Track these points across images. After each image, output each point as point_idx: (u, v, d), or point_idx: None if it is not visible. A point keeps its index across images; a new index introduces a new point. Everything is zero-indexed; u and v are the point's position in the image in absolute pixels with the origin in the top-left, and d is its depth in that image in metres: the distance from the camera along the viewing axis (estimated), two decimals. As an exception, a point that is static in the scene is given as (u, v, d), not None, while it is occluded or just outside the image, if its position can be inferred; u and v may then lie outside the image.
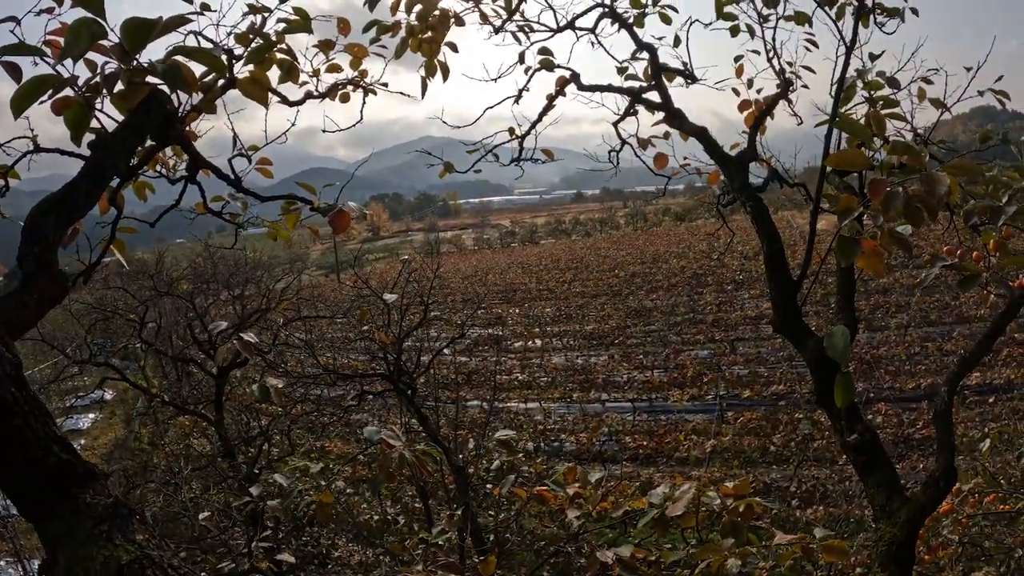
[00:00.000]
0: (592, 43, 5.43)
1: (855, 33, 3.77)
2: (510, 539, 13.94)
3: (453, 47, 4.23)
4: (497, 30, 4.98)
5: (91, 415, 29.50)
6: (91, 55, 2.31)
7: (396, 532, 15.17)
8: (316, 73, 3.55)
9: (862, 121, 3.80)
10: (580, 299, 46.83)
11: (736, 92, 5.29)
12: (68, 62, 2.24)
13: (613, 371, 29.19)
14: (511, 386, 28.89)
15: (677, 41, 5.26)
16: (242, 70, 2.83)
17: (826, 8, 4.24)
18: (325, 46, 3.50)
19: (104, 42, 2.26)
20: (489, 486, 12.64)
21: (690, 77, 5.35)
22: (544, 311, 44.20)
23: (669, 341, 32.66)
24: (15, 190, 2.90)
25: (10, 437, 1.66)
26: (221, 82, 2.78)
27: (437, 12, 4.14)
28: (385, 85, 3.82)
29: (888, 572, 3.62)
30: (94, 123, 2.38)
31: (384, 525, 15.97)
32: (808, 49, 4.93)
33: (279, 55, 3.03)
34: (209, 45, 2.75)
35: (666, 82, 5.22)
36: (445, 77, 4.21)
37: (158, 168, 3.30)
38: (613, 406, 25.52)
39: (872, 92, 4.26)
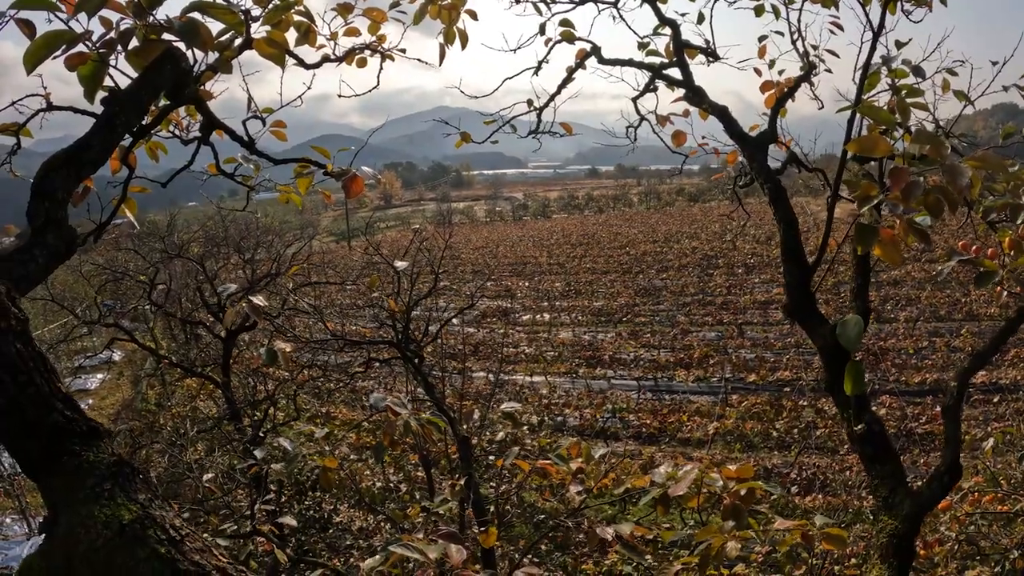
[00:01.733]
0: (614, 17, 5.36)
1: (882, 19, 3.71)
2: (511, 511, 14.04)
3: (473, 15, 4.17)
4: (518, 0, 4.92)
5: (99, 375, 29.70)
6: (106, 12, 2.28)
7: (398, 500, 15.29)
8: (334, 36, 3.50)
9: (885, 108, 3.74)
10: (590, 275, 46.77)
11: (758, 72, 5.22)
12: (83, 17, 2.21)
13: (620, 348, 29.20)
14: (518, 359, 28.94)
15: (701, 18, 5.19)
16: (259, 30, 2.79)
17: (853, -9, 4.16)
18: (344, 9, 3.45)
19: (119, -2, 2.23)
20: (492, 458, 12.71)
21: (712, 55, 5.28)
22: (554, 286, 44.18)
23: (677, 321, 32.63)
24: (27, 150, 2.88)
25: (13, 395, 1.65)
26: (238, 41, 2.75)
27: (458, -21, 4.08)
28: (403, 51, 3.77)
29: (887, 564, 3.62)
30: (108, 81, 2.35)
31: (386, 492, 16.10)
32: (833, 32, 4.85)
33: (297, 17, 2.99)
34: (225, 3, 2.71)
35: (688, 59, 5.16)
36: (464, 45, 4.16)
37: (171, 128, 3.27)
38: (618, 383, 25.56)
39: (896, 80, 4.19)
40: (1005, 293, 4.66)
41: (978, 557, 8.77)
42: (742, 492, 3.29)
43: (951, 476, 3.63)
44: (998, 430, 8.04)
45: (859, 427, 3.74)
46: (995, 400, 19.81)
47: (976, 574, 8.56)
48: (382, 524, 13.64)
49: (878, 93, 4.21)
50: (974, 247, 3.86)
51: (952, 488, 3.82)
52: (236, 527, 4.84)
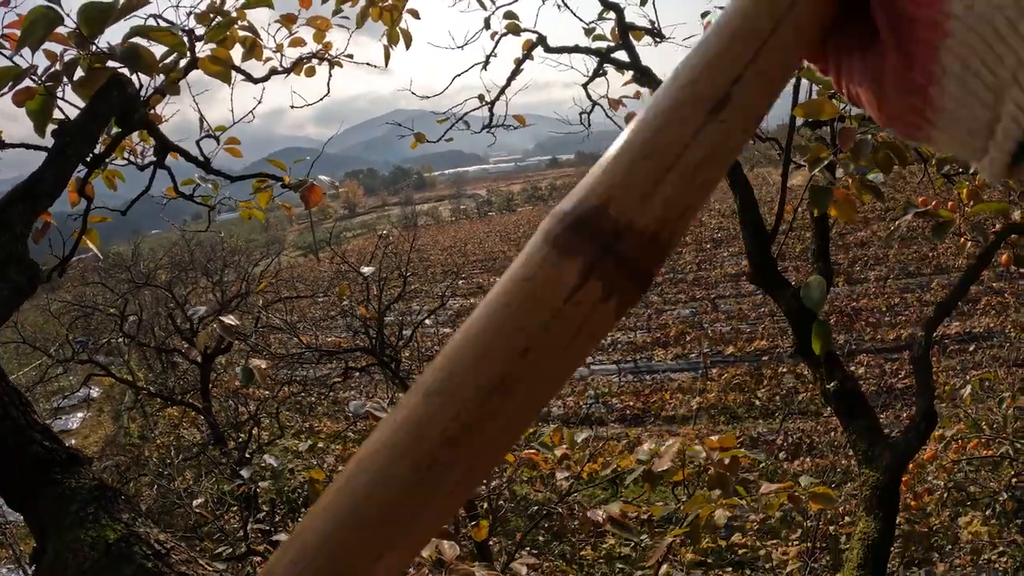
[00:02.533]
0: (559, 5, 5.40)
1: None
2: (503, 506, 14.06)
3: (415, 14, 4.18)
4: (460, -4, 4.94)
5: (79, 414, 29.26)
6: (49, 45, 2.28)
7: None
8: (280, 48, 3.50)
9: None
10: (561, 265, 46.80)
11: (704, 48, 5.27)
12: (27, 52, 2.20)
13: (597, 335, 29.29)
14: (496, 355, 28.95)
15: (644, 0, 5.25)
16: (203, 49, 2.79)
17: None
18: (287, 20, 3.45)
19: (61, 29, 2.22)
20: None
21: (658, 35, 5.33)
22: (525, 279, 44.18)
23: (651, 302, 32.80)
24: (-20, 193, 2.86)
25: (-9, 429, 1.65)
26: (183, 62, 2.75)
27: (398, -20, 4.09)
28: (350, 56, 3.78)
29: (873, 515, 3.69)
30: (57, 114, 2.34)
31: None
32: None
33: (241, 32, 2.99)
34: (167, 26, 2.70)
35: (634, 41, 5.20)
36: (408, 45, 4.17)
37: (126, 155, 3.26)
38: (598, 368, 25.66)
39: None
40: (969, 243, 4.77)
41: (969, 503, 8.94)
42: (726, 461, 3.35)
43: (927, 423, 3.71)
44: (976, 377, 8.18)
45: (831, 385, 3.82)
46: (971, 349, 20.16)
47: (969, 519, 8.72)
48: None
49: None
50: (934, 203, 3.95)
51: (929, 435, 3.91)
52: (231, 549, 4.83)
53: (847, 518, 10.64)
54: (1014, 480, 8.41)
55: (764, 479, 13.99)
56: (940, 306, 3.99)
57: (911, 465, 7.57)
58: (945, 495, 8.75)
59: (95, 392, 29.26)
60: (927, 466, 8.75)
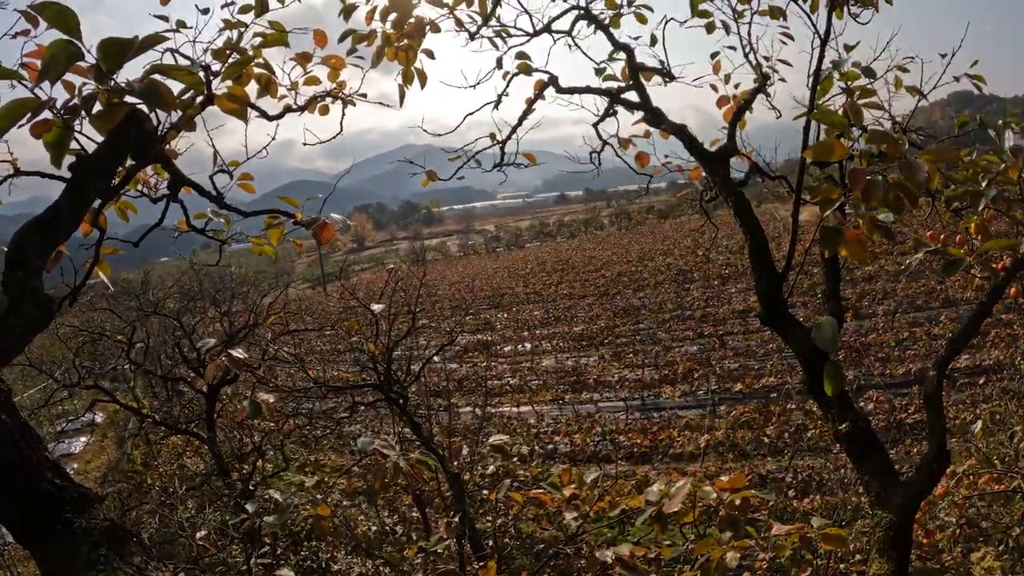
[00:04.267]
0: (569, 45, 5.45)
1: (829, 25, 3.81)
2: (509, 544, 13.92)
3: (430, 54, 4.23)
4: (473, 36, 4.99)
5: (83, 438, 29.22)
6: (69, 76, 2.30)
7: (395, 542, 15.10)
8: (294, 86, 3.54)
9: (840, 112, 3.82)
10: (568, 301, 46.84)
11: (714, 88, 5.32)
12: (46, 84, 2.23)
13: (604, 371, 29.20)
14: (503, 391, 28.85)
15: (653, 40, 5.29)
16: (220, 86, 2.82)
17: (799, 2, 4.26)
18: (303, 59, 3.49)
19: (81, 63, 2.25)
20: (486, 492, 12.61)
21: (667, 75, 5.37)
22: (532, 314, 44.18)
23: (658, 338, 32.72)
24: (-5, 215, 2.88)
25: (2, 465, 1.65)
26: (199, 99, 2.77)
27: (412, 20, 4.15)
28: (364, 96, 3.82)
29: (887, 557, 3.64)
30: (74, 145, 2.37)
31: (383, 536, 15.91)
32: (784, 43, 4.95)
33: (257, 69, 3.03)
34: (186, 62, 2.74)
35: (644, 81, 5.24)
36: (423, 84, 4.22)
37: (139, 187, 3.28)
38: (606, 406, 25.54)
39: (849, 83, 4.28)
40: (978, 277, 4.75)
41: (981, 539, 8.80)
42: (737, 502, 3.31)
43: (939, 464, 3.67)
44: (986, 411, 8.09)
45: (843, 426, 3.78)
46: (981, 382, 20.01)
47: (981, 555, 8.58)
48: (381, 568, 13.46)
49: (832, 97, 4.30)
50: (943, 236, 3.94)
51: (941, 475, 3.86)
52: (234, 584, 4.78)
53: (857, 556, 10.50)
54: (1027, 514, 8.30)
55: (774, 517, 13.83)
56: (951, 343, 3.96)
57: (923, 503, 7.48)
58: (957, 531, 8.62)
59: (99, 418, 29.24)
60: (939, 503, 8.64)
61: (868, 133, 2.59)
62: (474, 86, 5.26)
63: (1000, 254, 4.26)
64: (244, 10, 3.08)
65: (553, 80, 5.33)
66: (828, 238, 2.42)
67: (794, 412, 20.64)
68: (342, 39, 3.98)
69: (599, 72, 5.44)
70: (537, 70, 5.29)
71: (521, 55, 5.21)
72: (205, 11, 2.98)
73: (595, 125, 5.62)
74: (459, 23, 4.84)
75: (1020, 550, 8.25)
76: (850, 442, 3.93)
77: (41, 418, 22.77)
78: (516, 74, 5.27)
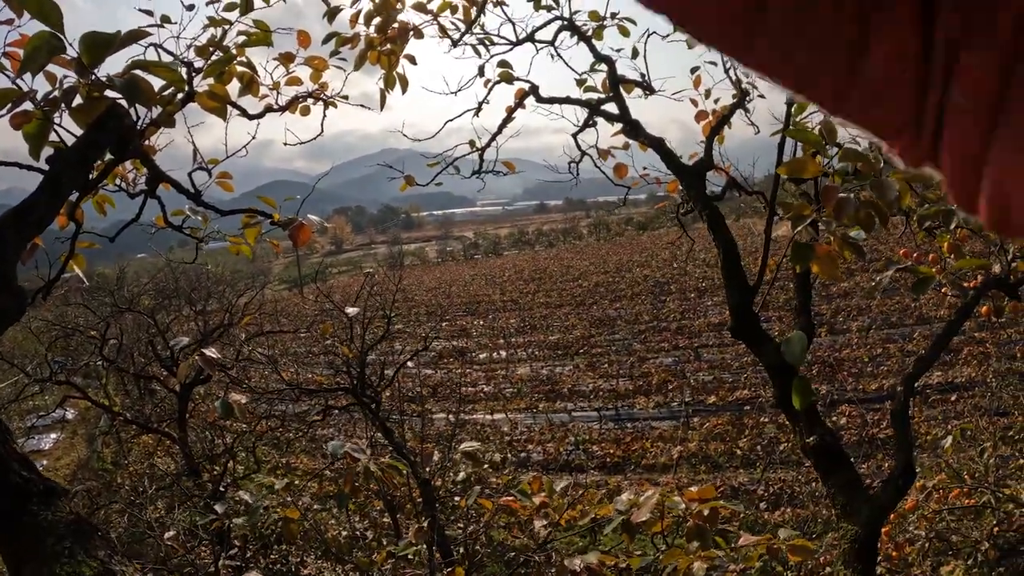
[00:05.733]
0: (552, 55, 5.48)
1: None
2: (480, 551, 13.89)
3: (412, 59, 4.24)
4: (455, 43, 5.01)
5: (53, 435, 28.76)
6: (51, 67, 2.30)
7: (365, 547, 15.03)
8: (276, 86, 3.54)
9: (816, 130, 3.88)
10: (544, 309, 46.88)
11: (694, 103, 5.37)
12: (27, 75, 2.22)
13: (579, 380, 29.24)
14: (477, 398, 28.80)
15: (635, 53, 5.34)
16: (201, 83, 2.82)
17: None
18: (285, 59, 3.49)
19: (63, 55, 2.24)
20: (457, 498, 12.58)
21: (648, 88, 5.42)
22: (508, 322, 44.16)
23: (634, 349, 32.81)
24: (-29, 205, 2.85)
25: (-30, 455, 1.64)
26: (180, 96, 2.77)
27: (396, 25, 4.16)
28: (345, 98, 3.82)
29: (852, 569, 3.68)
30: (53, 137, 2.36)
31: (353, 540, 15.82)
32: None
33: (239, 68, 3.03)
34: (169, 58, 2.74)
35: (625, 93, 5.29)
36: (404, 89, 4.23)
37: (117, 182, 3.27)
38: (580, 415, 25.56)
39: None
40: (950, 295, 4.83)
41: (951, 552, 8.90)
42: (705, 512, 3.34)
43: (905, 479, 3.73)
44: (957, 427, 8.20)
45: (811, 439, 3.83)
46: (952, 399, 20.25)
47: (951, 568, 8.68)
48: (351, 573, 13.39)
49: (810, 114, 4.36)
50: (915, 254, 4.00)
51: (907, 490, 3.92)
52: (201, 585, 4.75)
53: (827, 568, 10.58)
54: (996, 529, 8.40)
55: (745, 529, 13.90)
56: (920, 361, 4.03)
57: (892, 516, 7.56)
58: (927, 545, 8.71)
59: (70, 414, 28.82)
60: (909, 516, 8.73)
61: (842, 151, 2.64)
62: (455, 93, 5.28)
63: (973, 274, 4.34)
64: (229, 8, 3.08)
65: (534, 89, 5.37)
66: (799, 254, 2.46)
67: (767, 425, 20.76)
68: (326, 41, 3.98)
69: (580, 83, 5.49)
70: (519, 79, 5.33)
71: (503, 63, 5.25)
72: (190, 7, 2.98)
73: (575, 136, 5.66)
74: (442, 30, 4.86)
75: (989, 564, 8.36)
76: (817, 456, 3.97)
77: (11, 413, 22.42)
78: (498, 82, 5.30)
